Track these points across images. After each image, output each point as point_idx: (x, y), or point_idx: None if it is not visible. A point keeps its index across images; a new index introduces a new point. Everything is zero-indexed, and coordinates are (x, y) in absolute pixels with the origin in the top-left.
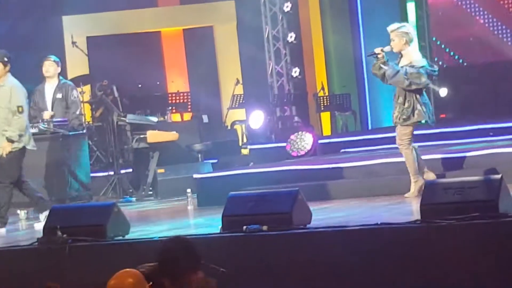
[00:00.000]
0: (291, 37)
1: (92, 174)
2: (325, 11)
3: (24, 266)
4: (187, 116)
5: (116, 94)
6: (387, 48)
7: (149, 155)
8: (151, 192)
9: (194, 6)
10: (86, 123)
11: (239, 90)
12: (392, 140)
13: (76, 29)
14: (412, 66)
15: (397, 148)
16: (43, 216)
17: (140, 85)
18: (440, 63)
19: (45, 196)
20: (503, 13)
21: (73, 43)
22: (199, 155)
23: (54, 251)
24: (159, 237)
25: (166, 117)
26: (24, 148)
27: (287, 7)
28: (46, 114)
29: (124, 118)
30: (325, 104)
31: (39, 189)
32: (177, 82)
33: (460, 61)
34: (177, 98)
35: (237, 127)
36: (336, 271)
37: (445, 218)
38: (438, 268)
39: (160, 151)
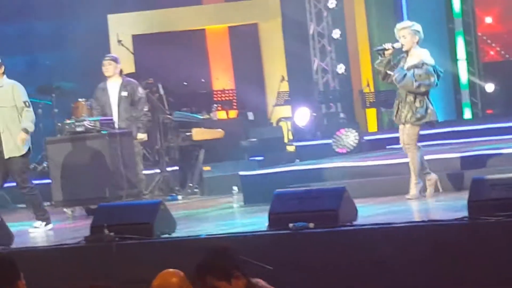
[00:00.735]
0: (336, 33)
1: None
2: (370, 6)
3: (71, 265)
4: (233, 114)
5: (161, 92)
6: (397, 45)
7: (195, 152)
8: (197, 190)
9: (238, 3)
10: None
11: (285, 87)
12: (439, 136)
13: (122, 27)
14: (423, 65)
15: (444, 145)
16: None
17: (185, 83)
18: (486, 58)
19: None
20: None
21: (119, 41)
22: (245, 153)
23: (101, 249)
24: (206, 235)
25: (211, 114)
26: (30, 150)
27: (332, 3)
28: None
29: (170, 116)
30: (371, 100)
31: (85, 187)
32: (222, 80)
33: (507, 56)
34: (223, 95)
35: (283, 124)
36: (383, 269)
37: (493, 215)
38: (485, 265)
39: (205, 149)
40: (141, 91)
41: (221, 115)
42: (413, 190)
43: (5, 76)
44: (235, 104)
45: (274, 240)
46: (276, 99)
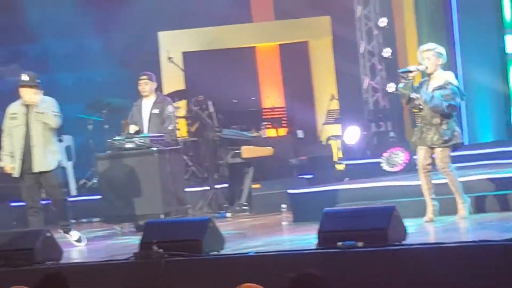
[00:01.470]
0: (387, 52)
1: (187, 189)
2: (421, 26)
3: (120, 281)
4: (282, 131)
5: (211, 109)
6: (421, 67)
7: (244, 170)
8: (246, 207)
9: (289, 21)
10: (182, 138)
11: (334, 105)
12: (489, 156)
13: (172, 44)
14: (447, 85)
15: (496, 164)
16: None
17: (235, 101)
18: None
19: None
20: None
21: (169, 58)
22: (294, 171)
23: (150, 266)
24: (254, 253)
25: (261, 132)
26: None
27: (383, 22)
28: (132, 128)
29: (219, 133)
30: None
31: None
32: (272, 98)
33: None
34: (272, 113)
35: (332, 142)
36: None
37: None
38: None
39: (255, 166)
40: (170, 109)
41: (271, 133)
42: (462, 210)
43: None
44: (284, 122)
45: (323, 258)
46: (326, 117)
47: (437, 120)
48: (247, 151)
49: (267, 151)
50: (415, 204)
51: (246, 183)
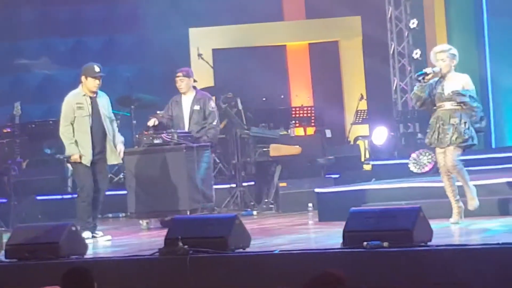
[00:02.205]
0: (417, 53)
1: (214, 186)
2: (452, 28)
3: (145, 276)
4: (310, 131)
5: (240, 106)
6: (436, 69)
7: (271, 168)
8: (272, 206)
9: (320, 20)
10: None
11: (363, 105)
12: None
13: (202, 41)
14: (464, 96)
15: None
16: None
17: (264, 99)
18: None
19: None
20: None
21: (199, 55)
22: (322, 170)
23: (175, 262)
24: (280, 251)
25: (289, 131)
26: None
27: (413, 23)
28: (151, 122)
29: (247, 131)
30: None
31: (161, 200)
32: (301, 96)
33: None
34: (301, 112)
35: (360, 142)
36: None
37: None
38: None
39: (282, 165)
40: (213, 104)
41: (299, 131)
42: (472, 200)
43: None
44: (313, 121)
45: (348, 258)
46: (354, 117)
47: (456, 120)
48: (275, 150)
49: (295, 149)
50: (441, 205)
51: (273, 181)
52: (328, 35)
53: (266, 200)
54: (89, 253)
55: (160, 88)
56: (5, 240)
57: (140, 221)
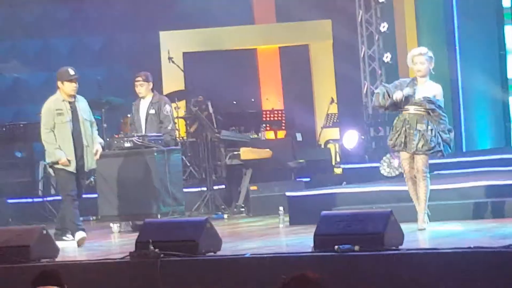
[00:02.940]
0: (387, 57)
1: (185, 190)
2: (422, 31)
3: (116, 280)
4: (281, 134)
5: (210, 110)
6: (407, 92)
7: (242, 172)
8: (243, 209)
9: (290, 24)
10: (181, 138)
11: (334, 109)
12: (487, 163)
13: (173, 44)
14: (434, 103)
15: (492, 172)
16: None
17: (235, 102)
18: None
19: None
20: None
21: (169, 58)
22: (292, 173)
23: (145, 265)
24: (251, 254)
25: (260, 134)
26: None
27: (384, 27)
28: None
29: (218, 135)
30: None
31: (132, 203)
32: (271, 100)
33: None
34: (272, 115)
35: (331, 146)
36: None
37: None
38: None
39: (253, 168)
40: (168, 108)
41: (270, 135)
42: (422, 223)
43: None
44: (283, 124)
45: (319, 261)
46: (324, 120)
47: (422, 126)
48: (246, 153)
49: (266, 153)
50: (412, 208)
51: (243, 185)
52: (299, 39)
53: (237, 204)
54: (60, 257)
55: (131, 91)
56: None
57: (111, 225)
